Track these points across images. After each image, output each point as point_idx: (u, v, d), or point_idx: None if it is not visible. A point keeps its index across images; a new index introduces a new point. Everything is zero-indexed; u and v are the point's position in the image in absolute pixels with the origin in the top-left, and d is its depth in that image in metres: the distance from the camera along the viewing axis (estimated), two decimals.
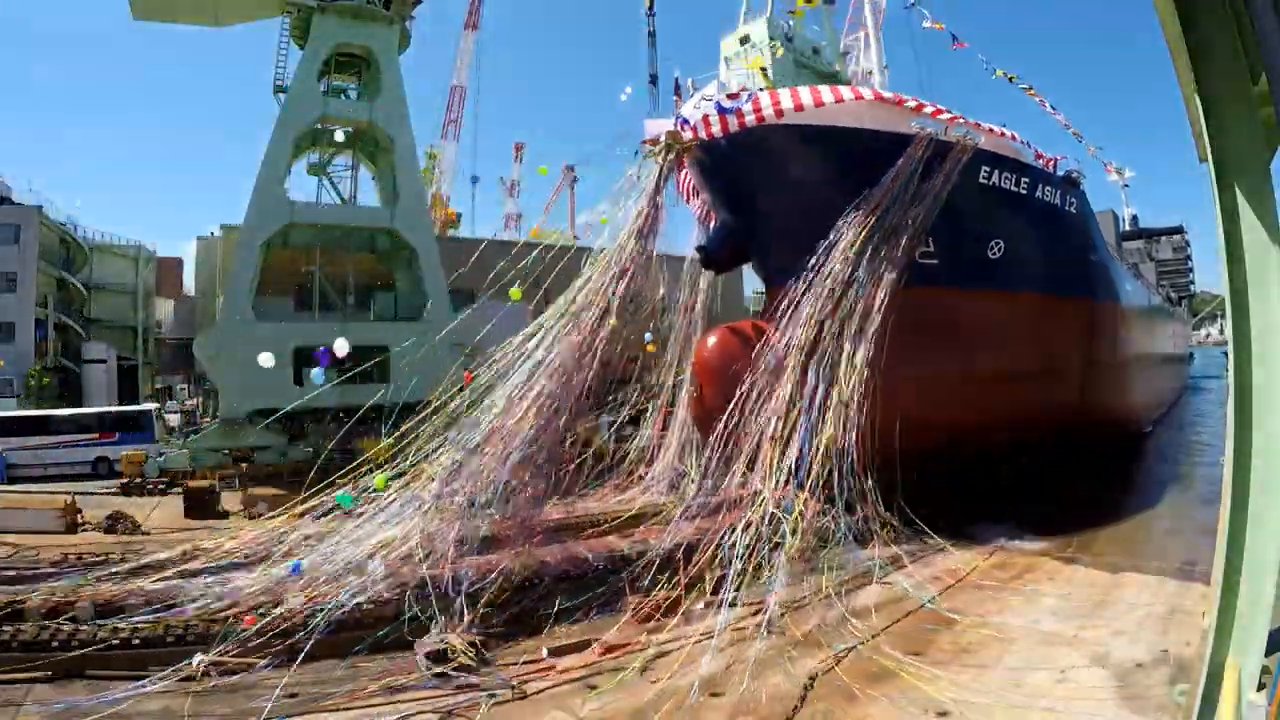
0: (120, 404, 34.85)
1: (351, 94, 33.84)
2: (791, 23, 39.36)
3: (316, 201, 32.63)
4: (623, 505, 16.56)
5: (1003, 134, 17.70)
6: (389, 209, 31.65)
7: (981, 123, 17.11)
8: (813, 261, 14.70)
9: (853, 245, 14.63)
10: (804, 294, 14.37)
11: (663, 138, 15.49)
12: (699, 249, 18.78)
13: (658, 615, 11.21)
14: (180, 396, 47.63)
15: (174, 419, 38.74)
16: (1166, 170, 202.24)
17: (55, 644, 9.92)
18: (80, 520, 18.36)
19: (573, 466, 15.11)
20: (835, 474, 12.54)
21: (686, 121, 15.83)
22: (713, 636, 9.99)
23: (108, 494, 22.74)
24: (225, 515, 20.35)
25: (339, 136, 29.60)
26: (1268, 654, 4.52)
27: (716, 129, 15.82)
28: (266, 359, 12.98)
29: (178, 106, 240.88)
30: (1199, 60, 4.68)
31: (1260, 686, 4.46)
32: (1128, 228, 55.53)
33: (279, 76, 31.51)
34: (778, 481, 12.43)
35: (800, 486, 12.35)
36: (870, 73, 44.76)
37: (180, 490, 22.10)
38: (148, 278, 46.33)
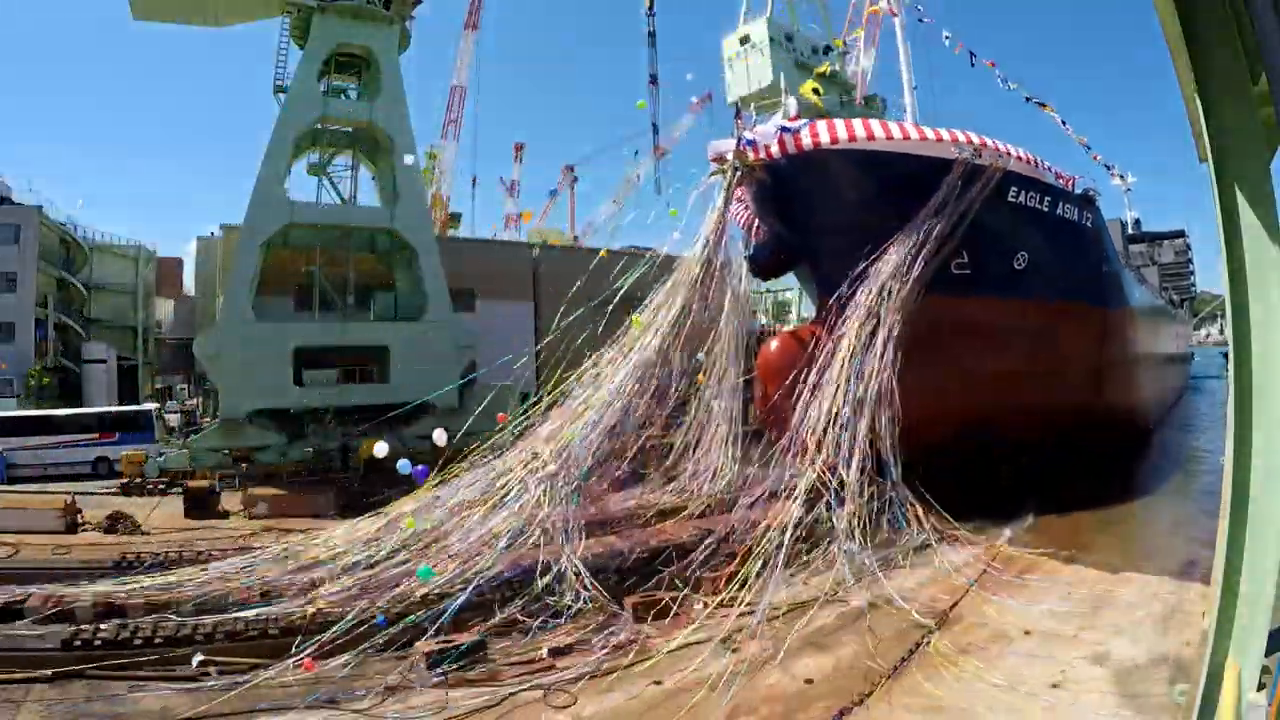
0: (120, 404, 34.82)
1: (351, 94, 33.84)
2: (819, 23, 39.88)
3: (316, 201, 32.64)
4: (672, 500, 16.93)
5: (1029, 158, 19.35)
6: (389, 209, 31.65)
7: (1012, 148, 18.71)
8: (861, 271, 16.22)
9: (898, 258, 16.20)
10: (852, 300, 15.90)
11: (730, 157, 16.98)
12: (748, 257, 19.66)
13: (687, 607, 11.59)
14: (180, 396, 47.54)
15: (174, 419, 38.72)
16: (1167, 170, 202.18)
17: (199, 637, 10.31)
18: (80, 520, 18.36)
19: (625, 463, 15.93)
20: (871, 460, 13.87)
21: (751, 143, 17.24)
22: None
23: (108, 494, 22.73)
24: (225, 515, 20.37)
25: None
26: (1268, 654, 4.52)
27: (776, 150, 17.35)
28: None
29: (178, 106, 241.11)
30: (1199, 60, 4.66)
31: (1260, 686, 4.45)
32: (1131, 231, 56.53)
33: (279, 76, 31.49)
34: (826, 456, 13.77)
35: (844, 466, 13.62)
36: (868, 72, 44.81)
37: (180, 490, 22.11)
38: (148, 278, 46.29)
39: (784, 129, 17.26)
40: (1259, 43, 4.26)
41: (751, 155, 17.17)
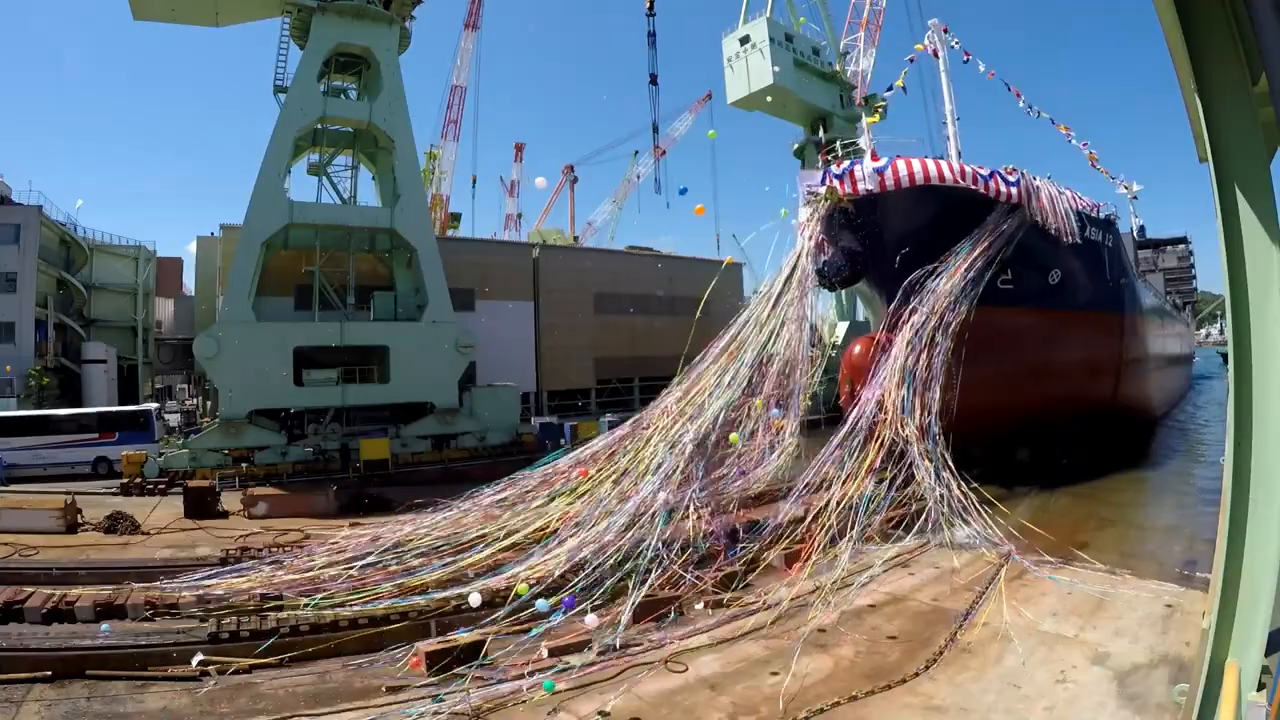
0: (120, 404, 34.82)
1: (351, 94, 33.84)
2: (800, 23, 40.50)
3: (316, 201, 32.63)
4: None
5: (1066, 192, 22.17)
6: (389, 209, 31.67)
7: (1049, 179, 21.65)
8: (926, 285, 18.52)
9: (953, 274, 18.60)
10: (916, 310, 18.25)
11: (823, 190, 20.10)
12: (818, 271, 21.16)
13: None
14: (180, 396, 47.59)
15: (174, 419, 38.70)
16: (1168, 172, 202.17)
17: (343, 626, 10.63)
18: (80, 520, 18.36)
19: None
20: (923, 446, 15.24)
21: (840, 176, 20.21)
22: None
23: (108, 494, 22.75)
24: (225, 515, 20.35)
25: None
26: (1268, 654, 4.52)
27: (871, 186, 20.28)
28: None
29: (178, 106, 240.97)
30: (1199, 60, 4.66)
31: (1260, 686, 4.46)
32: (1137, 238, 57.62)
33: (279, 76, 31.54)
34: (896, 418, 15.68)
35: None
36: (867, 72, 44.83)
37: (180, 490, 22.10)
38: (148, 278, 46.28)
39: (878, 169, 20.40)
40: (1259, 43, 4.25)
41: (840, 188, 20.16)
